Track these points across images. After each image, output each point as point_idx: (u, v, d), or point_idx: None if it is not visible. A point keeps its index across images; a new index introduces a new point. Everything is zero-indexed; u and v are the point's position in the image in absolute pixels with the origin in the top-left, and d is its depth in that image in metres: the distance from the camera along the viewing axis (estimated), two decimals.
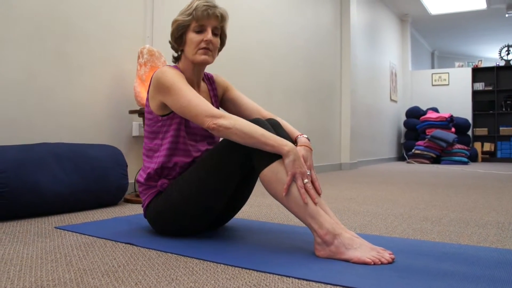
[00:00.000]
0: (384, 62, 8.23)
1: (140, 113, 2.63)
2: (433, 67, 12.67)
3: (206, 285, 1.08)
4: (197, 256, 1.34)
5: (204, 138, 1.67)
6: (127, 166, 2.47)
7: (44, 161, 2.07)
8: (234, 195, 1.64)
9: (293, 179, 1.36)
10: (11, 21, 2.21)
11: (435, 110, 8.87)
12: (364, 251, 1.28)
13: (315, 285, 1.09)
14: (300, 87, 5.09)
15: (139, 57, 2.65)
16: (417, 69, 10.55)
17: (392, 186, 3.77)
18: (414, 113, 8.83)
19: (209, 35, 1.56)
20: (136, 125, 2.87)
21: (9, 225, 1.84)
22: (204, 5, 1.55)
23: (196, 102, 1.46)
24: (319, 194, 1.41)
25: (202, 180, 1.49)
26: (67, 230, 1.73)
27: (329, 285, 1.08)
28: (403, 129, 9.29)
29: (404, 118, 9.24)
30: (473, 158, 8.31)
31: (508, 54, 9.09)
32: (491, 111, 9.04)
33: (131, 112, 2.71)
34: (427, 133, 8.11)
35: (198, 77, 1.68)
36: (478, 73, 9.31)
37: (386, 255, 1.28)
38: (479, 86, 9.20)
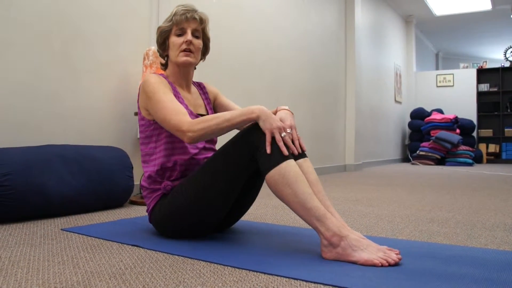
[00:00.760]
0: (388, 63, 8.22)
1: None
2: (437, 68, 12.63)
3: None
4: (204, 258, 1.33)
5: None
6: (132, 168, 2.47)
7: (50, 163, 2.07)
8: (240, 197, 1.64)
9: (272, 135, 1.42)
10: (19, 25, 2.22)
11: (440, 111, 8.84)
12: (371, 252, 1.27)
13: (323, 287, 1.09)
14: (305, 89, 5.09)
15: (144, 59, 2.66)
16: (422, 70, 10.51)
17: (397, 187, 3.75)
18: (418, 114, 8.80)
19: (189, 36, 1.66)
20: None
21: (16, 227, 1.85)
22: (183, 10, 1.67)
23: (169, 118, 1.52)
24: (303, 150, 1.49)
25: (207, 183, 1.49)
26: (74, 232, 1.74)
27: None
28: (408, 131, 9.26)
29: (408, 119, 9.21)
30: (478, 159, 8.28)
31: None
32: (496, 112, 9.00)
33: (137, 114, 2.72)
34: (431, 135, 8.09)
35: (186, 79, 1.76)
36: (483, 74, 9.27)
37: (393, 255, 1.27)
38: (484, 87, 9.16)
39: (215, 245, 1.51)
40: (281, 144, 1.40)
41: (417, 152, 7.96)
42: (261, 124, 1.43)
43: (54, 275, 1.17)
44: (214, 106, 1.88)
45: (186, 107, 1.68)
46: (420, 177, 4.93)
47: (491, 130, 9.01)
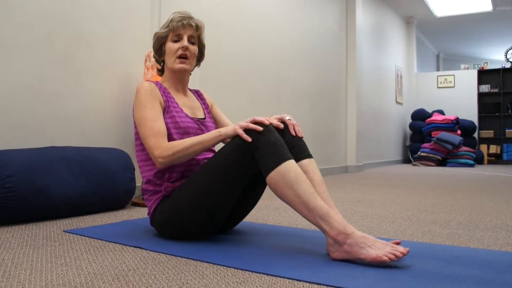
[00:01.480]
0: (389, 64, 8.22)
1: None
2: (438, 69, 12.63)
3: None
4: (207, 260, 1.33)
5: (196, 132, 1.69)
6: (134, 169, 2.47)
7: (52, 164, 2.07)
8: (242, 199, 1.64)
9: (240, 128, 1.46)
10: (21, 26, 2.22)
11: (441, 112, 8.84)
12: (378, 248, 1.26)
13: None
14: (306, 90, 5.09)
15: (146, 61, 2.66)
16: (423, 71, 10.51)
17: (398, 188, 3.75)
18: (419, 116, 8.80)
19: (185, 42, 1.70)
20: None
21: (18, 228, 1.85)
22: (179, 16, 1.71)
23: (148, 138, 1.58)
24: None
25: (208, 185, 1.49)
26: (76, 234, 1.74)
27: None
28: (409, 132, 9.25)
29: (409, 120, 9.20)
30: (479, 160, 8.27)
31: None
32: (497, 113, 8.99)
33: None
34: (432, 136, 8.08)
35: (183, 84, 1.80)
36: (484, 75, 9.26)
37: (401, 248, 1.26)
38: (485, 88, 9.15)
39: (218, 247, 1.51)
40: (250, 126, 1.45)
41: (418, 153, 7.95)
42: (228, 133, 1.50)
43: (57, 276, 1.17)
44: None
45: (181, 111, 1.70)
46: (421, 178, 4.93)
47: (492, 131, 9.00)
